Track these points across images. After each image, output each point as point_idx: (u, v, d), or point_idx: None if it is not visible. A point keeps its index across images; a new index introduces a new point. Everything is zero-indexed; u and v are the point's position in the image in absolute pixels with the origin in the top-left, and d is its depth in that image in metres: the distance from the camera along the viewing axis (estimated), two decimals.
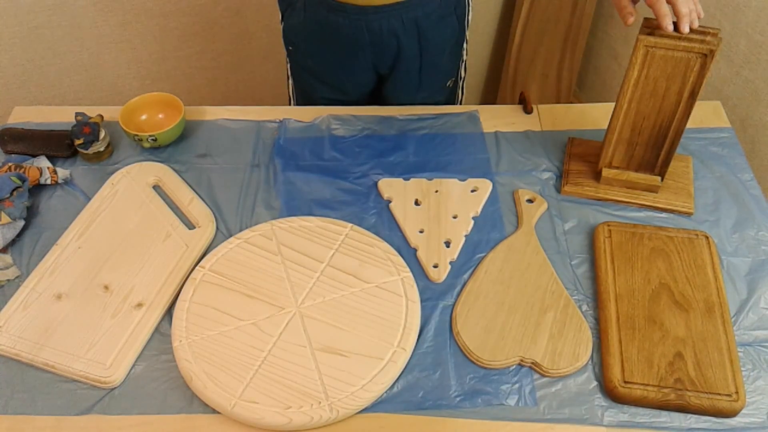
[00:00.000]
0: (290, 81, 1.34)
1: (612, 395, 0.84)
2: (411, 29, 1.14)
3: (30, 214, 1.04)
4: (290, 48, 1.25)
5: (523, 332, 0.89)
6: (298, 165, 1.12)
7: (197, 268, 0.96)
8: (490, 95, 2.26)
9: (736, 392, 0.83)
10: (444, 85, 1.30)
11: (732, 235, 1.03)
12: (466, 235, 1.02)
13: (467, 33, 1.27)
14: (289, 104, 1.38)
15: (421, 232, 1.02)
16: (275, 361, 0.86)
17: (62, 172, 1.08)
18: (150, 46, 1.82)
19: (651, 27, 0.94)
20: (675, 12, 0.90)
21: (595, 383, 0.86)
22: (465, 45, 1.29)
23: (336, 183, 1.09)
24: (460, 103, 1.40)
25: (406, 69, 1.22)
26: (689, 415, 0.83)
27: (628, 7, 0.92)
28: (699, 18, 0.90)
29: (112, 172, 1.09)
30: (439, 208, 1.05)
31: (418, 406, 0.84)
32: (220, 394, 0.83)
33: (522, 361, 0.87)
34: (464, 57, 1.31)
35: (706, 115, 1.21)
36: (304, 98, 1.33)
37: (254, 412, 0.81)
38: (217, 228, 1.03)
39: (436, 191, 1.08)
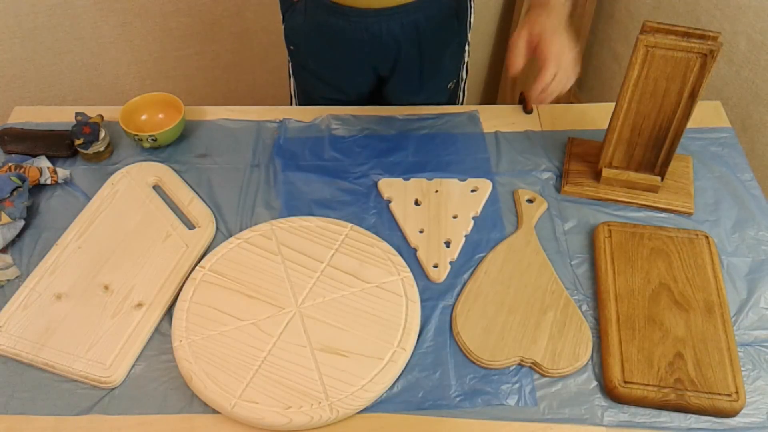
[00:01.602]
0: (292, 80, 1.34)
1: (612, 395, 0.84)
2: (411, 32, 1.14)
3: (30, 214, 1.04)
4: (291, 48, 1.25)
5: (523, 332, 0.89)
6: (298, 165, 1.12)
7: (197, 268, 0.96)
8: (490, 95, 2.26)
9: (736, 392, 0.83)
10: (445, 87, 1.30)
11: (732, 235, 1.03)
12: (466, 235, 1.02)
13: (469, 34, 1.27)
14: (291, 103, 1.38)
15: (421, 232, 1.02)
16: (275, 361, 0.86)
17: (62, 172, 1.08)
18: (150, 46, 1.82)
19: (651, 29, 0.94)
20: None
21: (595, 383, 0.86)
22: (467, 47, 1.29)
23: (336, 183, 1.09)
24: (461, 104, 1.39)
25: (406, 71, 1.21)
26: (689, 415, 0.83)
27: (518, 62, 0.94)
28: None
29: (112, 172, 1.09)
30: (439, 208, 1.05)
31: (418, 406, 0.84)
32: (220, 394, 0.83)
33: (522, 361, 0.87)
34: (465, 59, 1.31)
35: (706, 115, 1.21)
36: (305, 97, 1.33)
37: (254, 412, 0.81)
38: (217, 228, 1.03)
39: (436, 191, 1.08)
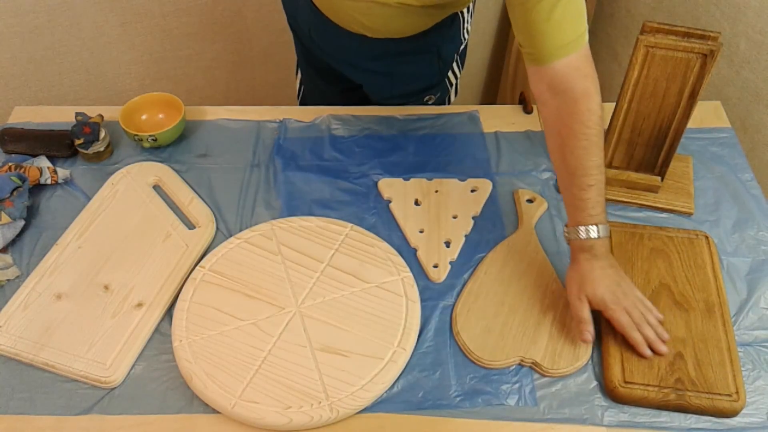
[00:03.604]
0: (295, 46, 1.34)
1: (612, 395, 0.84)
2: (380, 58, 1.13)
3: (30, 214, 1.04)
4: (289, 18, 1.25)
5: (523, 332, 0.89)
6: (298, 165, 1.12)
7: (197, 268, 0.96)
8: (490, 95, 2.26)
9: (737, 392, 0.83)
10: (421, 100, 1.26)
11: (732, 235, 1.03)
12: (466, 235, 1.02)
13: (459, 60, 1.24)
14: (296, 73, 1.38)
15: (421, 232, 1.02)
16: (275, 361, 0.86)
17: (62, 172, 1.08)
18: (150, 46, 1.82)
19: (651, 29, 0.94)
20: (644, 336, 0.86)
21: (595, 383, 0.86)
22: (454, 72, 1.26)
23: (336, 183, 1.09)
24: None
25: (376, 87, 1.21)
26: (689, 415, 0.83)
27: (589, 323, 0.86)
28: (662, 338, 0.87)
29: (112, 172, 1.09)
30: (439, 208, 1.05)
31: (418, 406, 0.84)
32: (220, 394, 0.83)
33: (522, 361, 0.87)
34: (453, 81, 1.28)
35: (706, 115, 1.21)
36: (301, 69, 1.35)
37: (254, 412, 0.81)
38: (217, 228, 1.03)
39: (436, 191, 1.08)
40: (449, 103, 1.33)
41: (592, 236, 0.87)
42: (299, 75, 1.38)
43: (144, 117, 1.16)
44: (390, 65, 1.15)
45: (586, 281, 0.87)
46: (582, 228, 0.88)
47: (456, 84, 1.30)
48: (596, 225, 0.87)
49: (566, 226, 0.91)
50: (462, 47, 1.22)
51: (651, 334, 0.86)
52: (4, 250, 0.99)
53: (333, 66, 1.23)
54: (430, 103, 1.28)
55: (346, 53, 1.16)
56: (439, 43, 1.14)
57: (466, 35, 1.20)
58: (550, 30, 0.84)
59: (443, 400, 0.85)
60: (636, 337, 0.85)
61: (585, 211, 0.88)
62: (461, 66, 1.27)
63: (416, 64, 1.16)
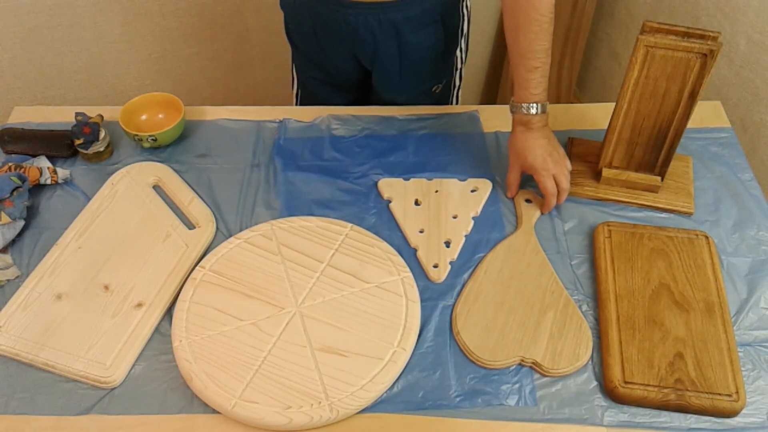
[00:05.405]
0: (292, 59, 1.34)
1: (612, 395, 0.84)
2: (388, 30, 1.14)
3: (30, 214, 1.04)
4: (287, 24, 1.26)
5: (523, 332, 0.89)
6: (298, 165, 1.12)
7: (197, 268, 0.96)
8: (490, 95, 2.26)
9: (737, 392, 0.83)
10: (429, 90, 1.27)
11: (732, 235, 1.03)
12: (466, 235, 1.02)
13: (462, 41, 1.25)
14: (291, 85, 1.38)
15: (421, 232, 1.02)
16: (275, 361, 0.86)
17: (62, 172, 1.08)
18: (150, 46, 1.82)
19: (651, 29, 0.94)
20: (558, 186, 1.03)
21: (595, 383, 0.86)
22: (459, 53, 1.27)
23: (336, 183, 1.09)
24: None
25: (385, 67, 1.21)
26: (689, 415, 0.83)
27: (513, 186, 1.07)
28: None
29: (112, 172, 1.09)
30: (439, 208, 1.05)
31: (418, 406, 0.84)
32: (220, 394, 0.83)
33: (522, 361, 0.87)
34: (458, 65, 1.29)
35: (706, 115, 1.21)
36: (299, 78, 1.35)
37: (254, 412, 0.81)
38: (217, 228, 1.03)
39: (436, 191, 1.08)
40: (456, 89, 1.34)
41: (531, 112, 1.01)
42: (295, 85, 1.38)
43: (144, 117, 1.16)
44: (399, 36, 1.15)
45: (520, 150, 1.03)
46: (524, 105, 1.01)
47: (461, 69, 1.31)
48: (536, 103, 1.01)
49: (512, 101, 1.03)
50: (464, 25, 1.23)
51: (562, 201, 1.04)
52: (4, 250, 0.99)
53: (342, 67, 1.23)
54: (437, 92, 1.28)
55: (350, 31, 1.15)
56: (442, 12, 1.16)
57: (465, 11, 1.22)
58: None
59: (443, 400, 0.85)
60: (552, 204, 1.03)
61: (528, 90, 1.00)
62: (466, 49, 1.28)
63: (424, 36, 1.16)
